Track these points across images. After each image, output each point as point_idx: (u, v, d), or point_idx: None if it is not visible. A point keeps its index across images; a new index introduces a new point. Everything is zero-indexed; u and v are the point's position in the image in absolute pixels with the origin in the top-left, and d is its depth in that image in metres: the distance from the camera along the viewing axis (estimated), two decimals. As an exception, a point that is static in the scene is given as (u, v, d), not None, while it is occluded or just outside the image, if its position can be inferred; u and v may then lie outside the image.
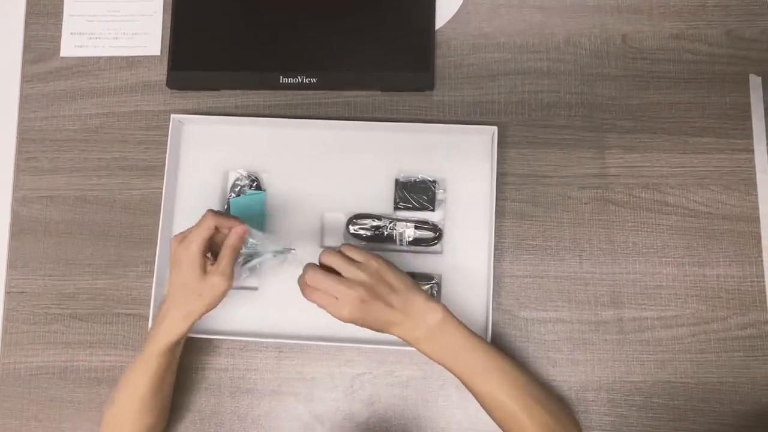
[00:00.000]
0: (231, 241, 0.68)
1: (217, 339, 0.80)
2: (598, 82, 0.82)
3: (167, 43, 0.86)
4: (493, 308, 0.77)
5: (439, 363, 0.69)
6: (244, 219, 0.80)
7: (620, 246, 0.80)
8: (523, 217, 0.81)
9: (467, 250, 0.80)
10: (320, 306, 0.67)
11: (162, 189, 0.80)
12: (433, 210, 0.80)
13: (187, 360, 0.80)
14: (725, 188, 0.80)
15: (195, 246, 0.67)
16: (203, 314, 0.69)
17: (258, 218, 0.81)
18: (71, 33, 0.89)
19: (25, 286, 0.84)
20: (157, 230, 0.79)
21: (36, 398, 0.81)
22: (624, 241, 0.80)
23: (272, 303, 0.80)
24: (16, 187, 0.86)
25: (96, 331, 0.82)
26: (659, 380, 0.77)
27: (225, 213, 0.68)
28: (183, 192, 0.83)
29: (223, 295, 0.69)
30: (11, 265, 0.84)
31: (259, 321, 0.80)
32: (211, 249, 0.70)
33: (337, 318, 0.66)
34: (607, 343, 0.78)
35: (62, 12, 0.89)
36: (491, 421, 0.76)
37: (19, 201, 0.85)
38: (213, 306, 0.69)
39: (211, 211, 0.69)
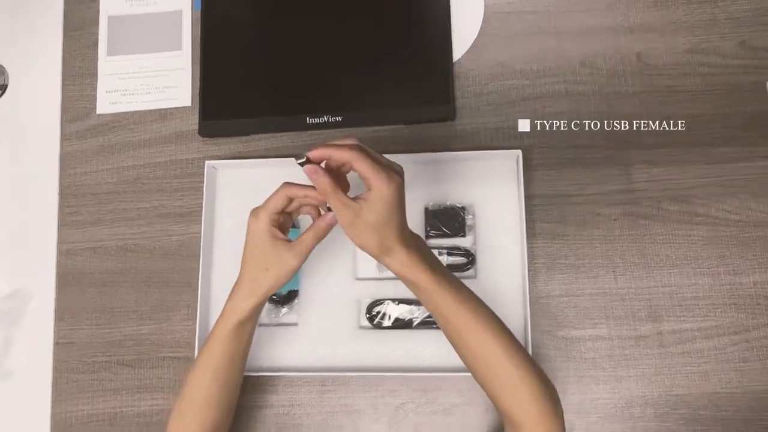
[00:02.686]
0: (318, 225, 0.66)
1: (261, 376, 0.81)
2: (617, 101, 0.84)
3: (197, 94, 0.90)
4: (530, 329, 0.78)
5: (416, 286, 0.64)
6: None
7: (653, 259, 0.80)
8: (553, 237, 0.82)
9: (501, 274, 0.81)
10: (366, 168, 0.59)
11: (200, 233, 0.83)
12: (464, 236, 0.82)
13: (233, 399, 0.81)
14: (754, 195, 0.80)
15: (264, 216, 0.65)
16: (269, 292, 0.67)
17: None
18: (106, 91, 0.93)
19: (73, 336, 0.86)
20: (198, 274, 0.82)
21: (88, 446, 0.83)
22: (657, 255, 0.80)
23: (312, 337, 0.81)
24: (60, 241, 0.89)
25: (143, 376, 0.84)
26: (705, 392, 0.77)
27: (303, 185, 0.65)
28: (220, 235, 0.85)
29: (292, 273, 0.66)
30: (59, 317, 0.87)
31: (300, 356, 0.81)
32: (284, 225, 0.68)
33: (380, 188, 0.59)
34: (648, 357, 0.78)
35: (96, 72, 0.94)
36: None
37: (63, 254, 0.89)
38: (279, 284, 0.67)
39: (286, 183, 0.66)
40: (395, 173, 0.60)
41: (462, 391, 0.79)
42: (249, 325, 0.70)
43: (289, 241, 0.67)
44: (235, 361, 0.71)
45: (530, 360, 0.64)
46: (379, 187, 0.59)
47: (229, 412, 0.73)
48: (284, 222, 0.69)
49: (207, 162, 0.84)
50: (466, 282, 0.80)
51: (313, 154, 0.61)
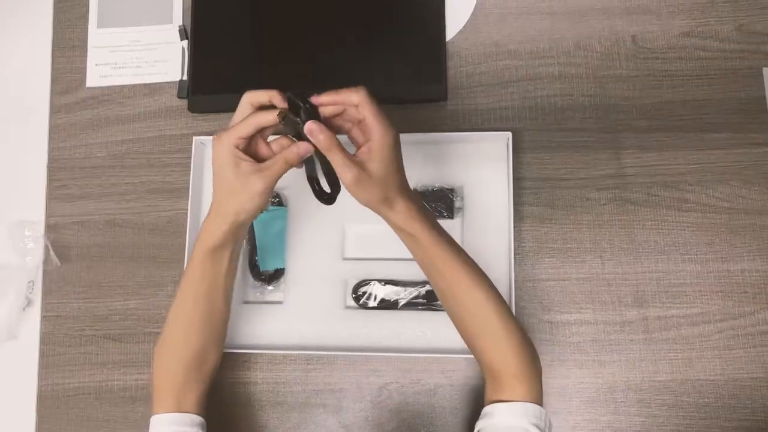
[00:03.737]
0: (291, 151, 0.62)
1: (245, 353, 0.82)
2: (611, 84, 0.83)
3: (187, 68, 0.89)
4: (516, 312, 0.77)
5: (406, 231, 0.64)
6: (267, 234, 0.83)
7: (641, 245, 0.80)
8: (542, 221, 0.81)
9: (488, 256, 0.80)
10: (372, 112, 0.60)
11: (188, 209, 0.83)
12: (451, 218, 0.81)
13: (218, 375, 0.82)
14: (745, 183, 0.79)
15: (227, 140, 0.62)
16: (238, 216, 0.64)
17: (280, 233, 0.83)
18: (96, 64, 0.92)
19: (60, 309, 0.87)
20: (185, 250, 0.82)
21: (73, 418, 0.84)
22: (645, 240, 0.80)
23: (298, 316, 0.81)
24: (48, 214, 0.89)
25: (129, 350, 0.84)
26: (688, 378, 0.77)
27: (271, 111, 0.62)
28: (208, 206, 0.84)
29: (259, 196, 0.63)
30: (46, 290, 0.87)
31: (285, 334, 0.81)
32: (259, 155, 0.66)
33: (382, 135, 0.60)
34: (633, 343, 0.78)
35: (86, 44, 0.93)
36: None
37: (51, 228, 0.89)
38: (247, 207, 0.64)
39: (255, 111, 0.63)
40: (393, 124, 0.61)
41: (446, 372, 0.79)
42: (226, 251, 0.68)
43: (256, 163, 0.63)
44: (214, 286, 0.69)
45: (513, 317, 0.66)
46: (382, 135, 0.60)
47: (215, 342, 0.72)
48: (252, 143, 0.65)
49: (195, 138, 0.84)
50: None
51: (320, 99, 0.61)
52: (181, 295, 0.70)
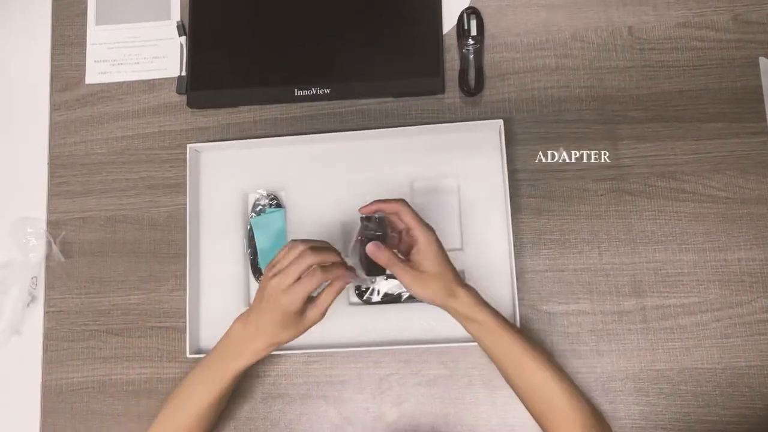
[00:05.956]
0: (336, 287, 0.69)
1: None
2: (607, 75, 0.83)
3: (186, 64, 0.89)
4: (514, 303, 0.78)
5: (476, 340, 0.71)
6: (267, 236, 0.83)
7: (639, 235, 0.80)
8: (540, 212, 0.82)
9: (487, 247, 0.81)
10: (412, 219, 0.68)
11: (187, 205, 0.83)
12: (450, 210, 0.81)
13: None
14: (741, 172, 0.80)
15: (300, 298, 0.66)
16: (280, 345, 0.71)
17: (279, 234, 0.83)
18: (95, 61, 0.93)
19: (63, 305, 0.87)
20: (185, 245, 0.82)
21: (77, 412, 0.84)
22: (642, 231, 0.80)
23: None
24: (50, 211, 0.90)
25: (131, 344, 0.85)
26: (686, 367, 0.77)
27: (323, 248, 0.69)
28: (206, 213, 0.86)
29: (313, 325, 0.70)
30: (49, 285, 0.88)
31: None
32: None
33: (426, 235, 0.68)
34: (631, 332, 0.78)
35: (85, 41, 0.93)
36: (519, 416, 0.77)
37: (53, 224, 0.89)
38: (298, 336, 0.71)
39: (310, 251, 0.67)
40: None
41: (446, 363, 0.80)
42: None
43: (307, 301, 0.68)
44: (229, 394, 0.75)
45: (581, 395, 0.69)
46: (426, 235, 0.67)
47: None
48: None
49: (189, 146, 0.84)
50: (452, 254, 0.81)
51: (367, 209, 0.68)
52: (196, 400, 0.72)
